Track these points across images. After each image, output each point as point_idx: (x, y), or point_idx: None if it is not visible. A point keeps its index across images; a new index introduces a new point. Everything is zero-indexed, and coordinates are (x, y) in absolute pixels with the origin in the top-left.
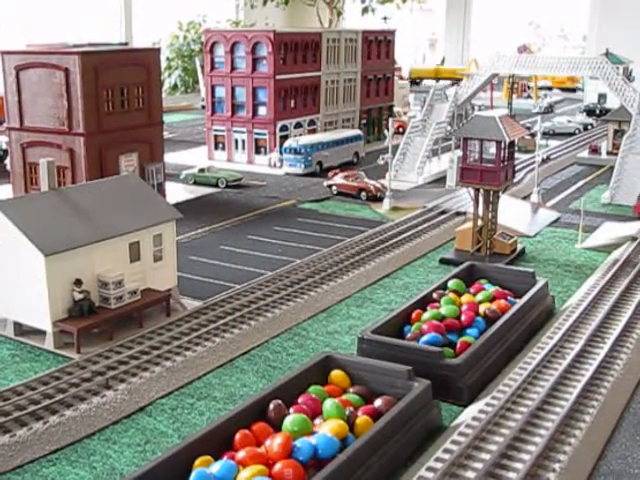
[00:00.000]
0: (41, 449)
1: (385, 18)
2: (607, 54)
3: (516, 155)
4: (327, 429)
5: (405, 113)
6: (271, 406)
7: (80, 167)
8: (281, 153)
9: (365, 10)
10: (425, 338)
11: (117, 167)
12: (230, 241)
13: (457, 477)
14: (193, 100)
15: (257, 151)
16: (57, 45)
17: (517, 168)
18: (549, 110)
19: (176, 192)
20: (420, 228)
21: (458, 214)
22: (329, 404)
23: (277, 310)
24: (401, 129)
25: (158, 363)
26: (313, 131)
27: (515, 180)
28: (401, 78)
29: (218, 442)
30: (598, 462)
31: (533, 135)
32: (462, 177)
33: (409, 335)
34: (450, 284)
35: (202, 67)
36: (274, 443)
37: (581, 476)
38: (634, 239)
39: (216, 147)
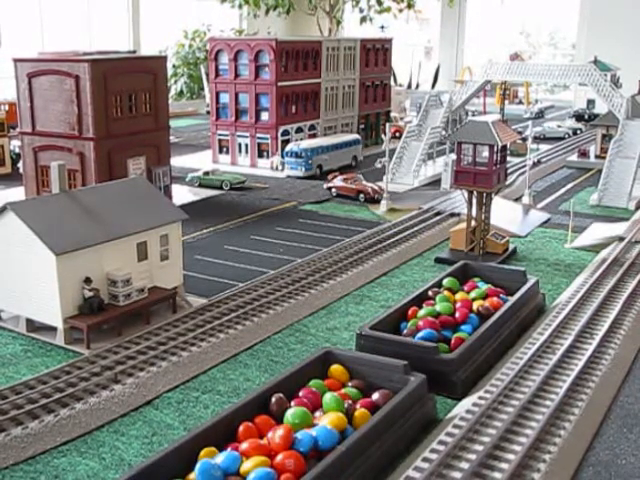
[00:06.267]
0: (52, 441)
1: (382, 27)
2: (595, 62)
3: (508, 158)
4: (327, 421)
5: (402, 118)
6: (273, 399)
7: (90, 170)
8: (283, 157)
9: (363, 19)
10: (421, 334)
11: (125, 170)
12: (234, 241)
13: (452, 467)
14: (198, 106)
15: (260, 155)
16: (68, 53)
17: (509, 171)
18: (540, 115)
19: (182, 194)
20: (416, 229)
21: (452, 215)
22: (329, 397)
23: (279, 307)
24: (398, 134)
25: (165, 358)
26: (313, 136)
27: (507, 182)
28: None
29: (222, 434)
30: (587, 453)
31: (524, 139)
32: (456, 180)
33: (405, 331)
34: (445, 282)
35: (207, 74)
36: (276, 435)
37: (570, 466)
38: (621, 239)
39: (220, 151)
